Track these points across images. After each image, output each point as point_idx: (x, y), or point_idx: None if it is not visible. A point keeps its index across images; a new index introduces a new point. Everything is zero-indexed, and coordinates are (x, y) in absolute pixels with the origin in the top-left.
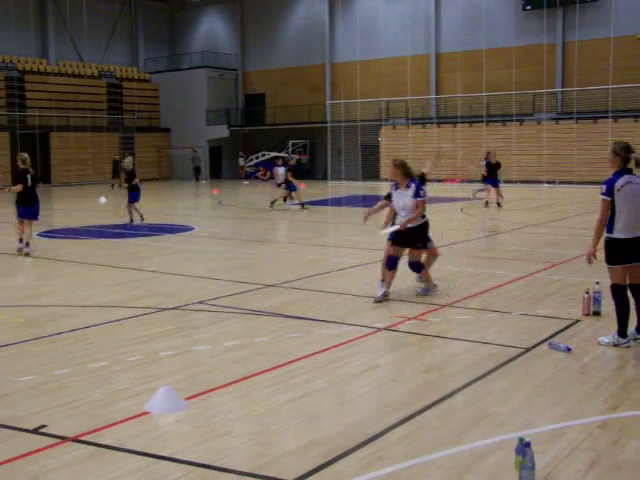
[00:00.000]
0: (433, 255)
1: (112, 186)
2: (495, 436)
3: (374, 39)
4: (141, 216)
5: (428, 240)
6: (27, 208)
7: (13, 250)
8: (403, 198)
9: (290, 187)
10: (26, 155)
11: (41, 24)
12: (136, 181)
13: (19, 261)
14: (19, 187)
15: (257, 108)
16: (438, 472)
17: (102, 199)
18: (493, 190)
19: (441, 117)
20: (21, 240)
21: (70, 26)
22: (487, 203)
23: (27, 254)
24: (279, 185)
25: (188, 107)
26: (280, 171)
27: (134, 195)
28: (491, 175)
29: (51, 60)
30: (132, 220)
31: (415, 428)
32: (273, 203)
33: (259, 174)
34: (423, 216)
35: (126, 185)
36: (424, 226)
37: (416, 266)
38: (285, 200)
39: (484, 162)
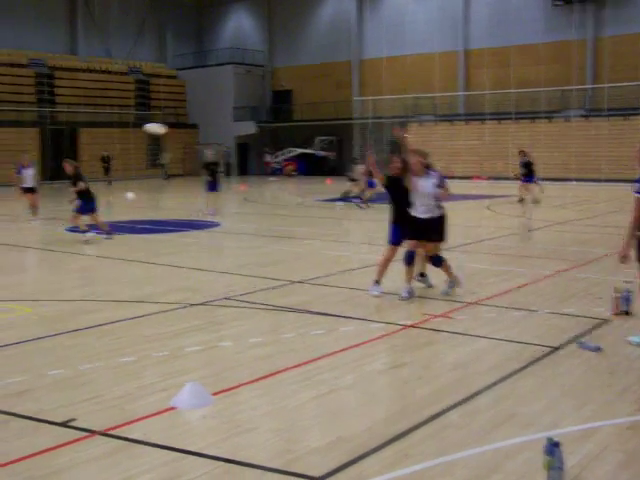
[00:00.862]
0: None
1: (109, 183)
2: (521, 436)
3: (402, 35)
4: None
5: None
6: (90, 203)
7: (41, 245)
8: (422, 187)
9: (369, 183)
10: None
11: (71, 21)
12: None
13: (47, 256)
14: (83, 185)
15: (284, 105)
16: (463, 472)
17: (129, 195)
18: (532, 187)
19: (468, 114)
20: (88, 230)
21: (99, 22)
22: (533, 200)
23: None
24: (353, 180)
25: (215, 103)
26: (359, 168)
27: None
28: (529, 173)
29: (80, 56)
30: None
31: (441, 427)
32: (364, 201)
33: (288, 169)
34: (440, 208)
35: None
36: (443, 219)
37: (436, 260)
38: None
39: (522, 161)
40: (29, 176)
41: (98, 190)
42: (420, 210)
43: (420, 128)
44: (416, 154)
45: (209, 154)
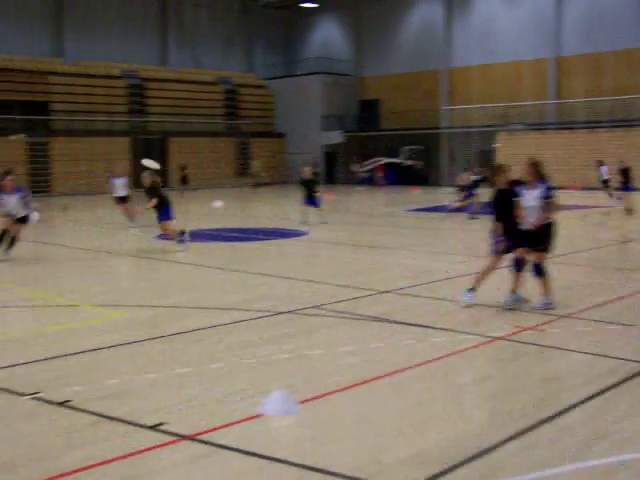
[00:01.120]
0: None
1: (182, 192)
2: (617, 455)
3: (491, 43)
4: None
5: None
6: (167, 210)
7: (136, 252)
8: (530, 198)
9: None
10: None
11: (162, 34)
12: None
13: (141, 263)
14: (153, 203)
15: (371, 114)
16: None
17: (218, 203)
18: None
19: (559, 122)
20: (178, 237)
21: (189, 34)
22: (630, 211)
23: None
24: (462, 189)
25: (303, 113)
26: (465, 176)
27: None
28: (626, 182)
29: (171, 68)
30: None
31: (532, 442)
32: (472, 215)
33: (377, 174)
34: (548, 217)
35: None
36: (551, 228)
37: (539, 269)
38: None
39: (619, 169)
40: (120, 185)
41: (176, 199)
42: (528, 220)
43: (509, 137)
44: (530, 164)
45: (306, 171)
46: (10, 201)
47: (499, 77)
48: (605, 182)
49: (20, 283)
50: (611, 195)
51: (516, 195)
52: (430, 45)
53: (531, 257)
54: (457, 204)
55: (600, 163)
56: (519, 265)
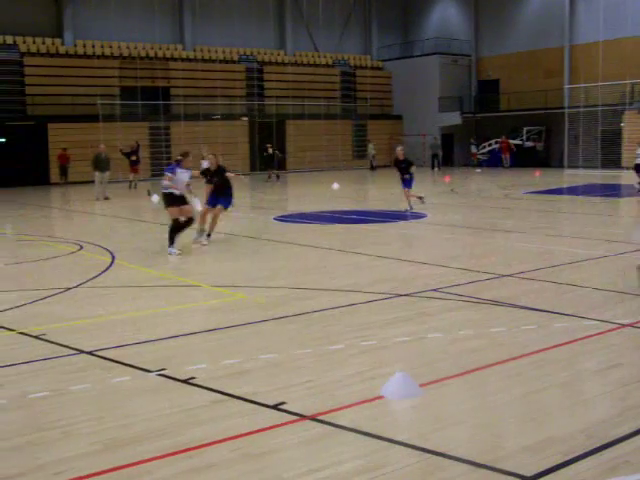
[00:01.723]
0: None
1: (275, 177)
2: None
3: (619, 17)
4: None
5: None
6: (226, 198)
7: (255, 233)
8: None
9: None
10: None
11: (279, 17)
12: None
13: (255, 244)
14: (215, 181)
15: (490, 94)
16: None
17: (335, 185)
18: None
19: None
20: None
21: (306, 18)
22: None
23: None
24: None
25: (420, 94)
26: None
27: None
28: None
29: (288, 51)
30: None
31: None
32: None
33: (504, 155)
34: None
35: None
36: None
37: None
38: None
39: None
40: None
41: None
42: None
43: (638, 116)
44: None
45: (399, 151)
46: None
47: (627, 52)
48: None
49: (146, 264)
50: None
51: None
52: (551, 22)
53: None
54: None
55: None
56: None
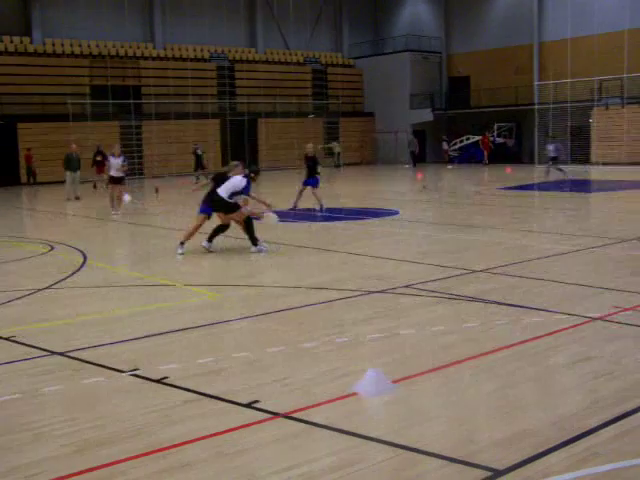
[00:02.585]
0: None
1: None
2: None
3: (586, 14)
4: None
5: None
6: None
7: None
8: None
9: None
10: None
11: (250, 15)
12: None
13: (232, 243)
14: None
15: (461, 91)
16: None
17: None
18: None
19: None
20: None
21: (277, 15)
22: None
23: None
24: None
25: (392, 91)
26: None
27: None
28: None
29: (259, 49)
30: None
31: (635, 426)
32: None
33: (483, 151)
34: None
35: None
36: None
37: None
38: None
39: None
40: (116, 166)
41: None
42: None
43: (606, 112)
44: None
45: (308, 148)
46: None
47: (595, 49)
48: None
49: (119, 264)
50: None
51: None
52: (520, 19)
53: None
54: None
55: None
56: None
